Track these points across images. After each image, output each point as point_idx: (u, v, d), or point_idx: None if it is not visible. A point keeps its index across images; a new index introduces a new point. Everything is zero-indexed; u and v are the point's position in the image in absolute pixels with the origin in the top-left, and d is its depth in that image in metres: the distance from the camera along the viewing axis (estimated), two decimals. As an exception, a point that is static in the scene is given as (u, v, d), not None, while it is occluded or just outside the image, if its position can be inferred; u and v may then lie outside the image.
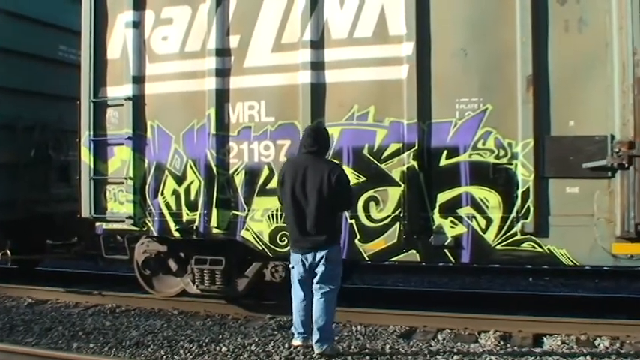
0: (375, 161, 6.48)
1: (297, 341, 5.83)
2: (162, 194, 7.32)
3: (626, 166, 5.71)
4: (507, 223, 6.11)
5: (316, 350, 5.59)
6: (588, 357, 5.62)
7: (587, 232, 5.89)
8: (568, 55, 5.96)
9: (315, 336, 5.57)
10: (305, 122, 6.61)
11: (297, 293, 5.72)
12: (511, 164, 6.10)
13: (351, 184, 6.03)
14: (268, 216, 6.85)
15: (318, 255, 5.51)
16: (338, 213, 5.84)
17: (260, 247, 6.94)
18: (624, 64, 5.73)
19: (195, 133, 7.17)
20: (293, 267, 5.74)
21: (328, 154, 5.97)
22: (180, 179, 7.23)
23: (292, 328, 5.95)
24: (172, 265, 7.69)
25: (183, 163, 7.20)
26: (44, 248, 9.50)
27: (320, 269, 5.52)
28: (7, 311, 7.90)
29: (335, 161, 6.12)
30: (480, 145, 6.19)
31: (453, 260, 6.39)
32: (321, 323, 5.52)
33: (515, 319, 6.66)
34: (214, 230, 7.10)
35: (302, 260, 5.56)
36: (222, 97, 7.01)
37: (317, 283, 5.58)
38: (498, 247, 6.15)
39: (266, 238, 6.88)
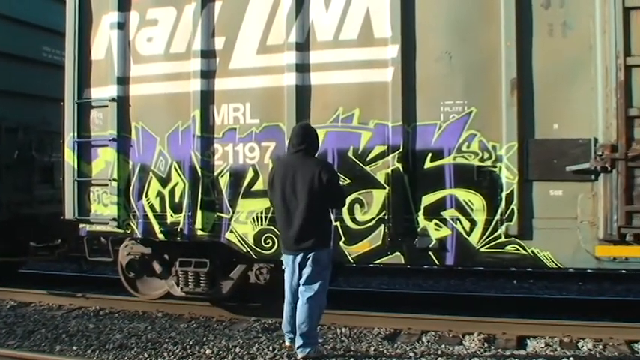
0: (360, 163, 6.41)
1: (287, 342, 5.76)
2: (146, 196, 7.23)
3: (609, 169, 5.67)
4: (491, 226, 6.07)
5: (299, 355, 5.51)
6: (572, 359, 5.59)
7: (571, 234, 5.85)
8: (552, 58, 5.92)
9: (299, 341, 5.48)
10: (290, 124, 6.51)
11: (286, 295, 5.67)
12: (495, 167, 6.06)
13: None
14: (253, 218, 6.77)
15: (306, 256, 5.42)
16: (329, 212, 5.77)
17: (245, 250, 6.86)
18: (607, 68, 5.70)
19: (180, 134, 7.08)
20: (284, 268, 5.72)
21: (317, 151, 5.89)
22: (164, 181, 7.14)
23: (282, 328, 5.88)
24: (157, 267, 7.61)
25: (168, 165, 7.11)
26: (27, 250, 9.39)
27: (306, 270, 5.43)
28: (-12, 314, 7.78)
29: (324, 159, 6.08)
30: (464, 148, 6.13)
31: (437, 262, 6.32)
32: (304, 329, 5.41)
33: (499, 321, 6.62)
34: (199, 232, 7.01)
35: (292, 262, 5.50)
36: (207, 98, 6.93)
37: (302, 285, 5.48)
38: (483, 249, 6.11)
39: (251, 240, 6.80)
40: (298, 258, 5.43)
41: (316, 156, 5.80)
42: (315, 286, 5.43)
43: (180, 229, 7.11)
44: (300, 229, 5.34)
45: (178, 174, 7.11)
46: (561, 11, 5.85)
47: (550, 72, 5.94)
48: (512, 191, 5.98)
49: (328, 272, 5.61)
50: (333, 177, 5.49)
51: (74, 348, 6.24)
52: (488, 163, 6.08)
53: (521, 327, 6.47)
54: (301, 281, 5.48)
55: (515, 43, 5.94)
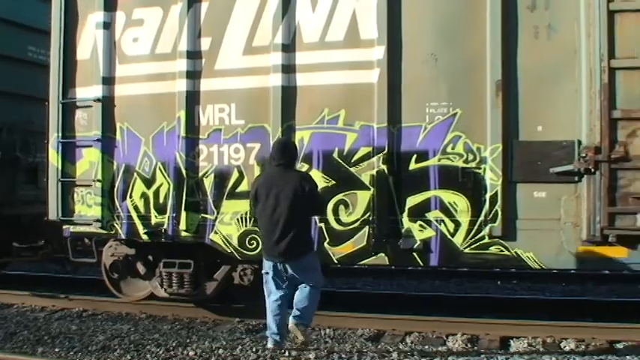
0: (345, 165, 6.40)
1: (270, 344, 5.70)
2: (130, 197, 7.17)
3: (593, 170, 5.69)
4: (475, 227, 6.08)
5: (290, 323, 5.53)
6: (554, 358, 5.55)
7: (554, 235, 5.86)
8: (537, 61, 5.93)
9: (294, 313, 5.54)
10: (276, 125, 6.55)
11: (270, 294, 5.68)
12: (480, 168, 6.06)
13: (320, 187, 6.05)
14: (237, 219, 6.74)
15: (293, 265, 5.54)
16: (310, 222, 5.87)
17: (229, 251, 6.81)
18: (592, 70, 5.71)
19: (165, 135, 7.03)
20: (267, 272, 5.72)
21: (296, 163, 5.97)
22: (149, 182, 7.09)
23: (266, 331, 5.82)
24: (140, 268, 7.55)
25: (153, 166, 7.06)
26: (10, 251, 9.25)
27: (299, 277, 5.61)
28: (-30, 315, 7.68)
29: (302, 171, 6.13)
30: (449, 150, 6.13)
31: (421, 263, 6.31)
32: (301, 306, 5.54)
33: (483, 322, 6.59)
34: (183, 233, 6.97)
35: (275, 266, 5.60)
36: (192, 99, 6.89)
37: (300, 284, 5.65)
38: (466, 250, 6.11)
39: (235, 242, 6.75)
40: (280, 265, 5.58)
41: (301, 157, 5.95)
42: (313, 282, 5.63)
43: (165, 230, 7.05)
44: (283, 238, 5.46)
45: (163, 175, 7.05)
46: (547, 14, 5.86)
47: (535, 74, 5.94)
48: (496, 192, 5.99)
49: (318, 272, 5.71)
50: (313, 187, 5.62)
51: (56, 350, 6.14)
52: (473, 164, 6.08)
53: (504, 327, 6.44)
54: (296, 281, 5.66)
55: (500, 45, 5.95)
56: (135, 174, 7.15)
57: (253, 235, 6.63)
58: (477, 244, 6.09)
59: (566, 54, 5.85)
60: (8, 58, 8.76)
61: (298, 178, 5.55)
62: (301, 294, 5.61)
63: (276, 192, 5.48)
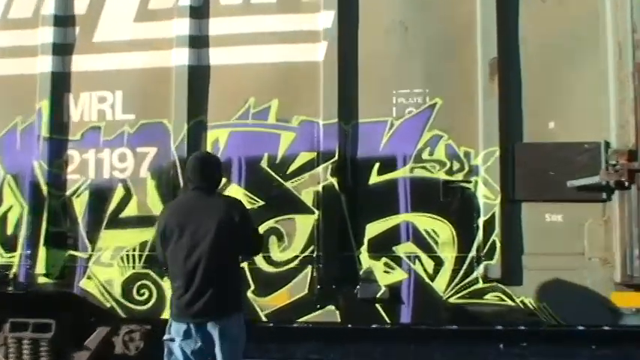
0: (278, 177, 5.48)
1: None
2: None
3: (627, 184, 4.88)
4: (464, 267, 5.20)
5: None
6: None
7: (576, 277, 5.01)
8: (546, 32, 5.17)
9: None
10: (179, 122, 5.65)
11: None
12: (469, 182, 5.23)
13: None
14: (122, 257, 5.70)
15: (215, 327, 4.50)
16: (239, 266, 4.95)
17: (108, 305, 5.72)
18: (620, 46, 4.96)
19: (19, 135, 6.01)
20: (172, 339, 4.62)
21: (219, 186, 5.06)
22: None
23: None
24: None
25: None
26: None
27: (218, 349, 4.55)
28: None
29: (230, 196, 5.25)
30: (425, 155, 5.28)
31: (388, 320, 5.32)
32: None
33: None
34: (41, 279, 5.88)
35: (187, 331, 4.54)
36: (60, 84, 5.94)
37: None
38: (452, 300, 5.19)
39: (118, 291, 5.68)
40: (201, 329, 4.55)
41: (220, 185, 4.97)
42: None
43: (14, 274, 5.98)
44: (204, 291, 4.53)
45: (14, 193, 6.01)
46: None
47: (544, 51, 5.17)
48: (492, 216, 5.13)
49: (243, 345, 4.70)
50: (247, 217, 4.74)
51: None
52: (460, 176, 5.24)
53: None
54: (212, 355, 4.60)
55: (495, 11, 5.20)
56: None
57: (145, 282, 5.69)
58: (467, 290, 5.20)
59: (585, 23, 5.11)
60: None
61: (225, 206, 4.62)
62: None
63: (193, 228, 4.51)
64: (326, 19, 5.33)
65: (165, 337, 4.59)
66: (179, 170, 5.57)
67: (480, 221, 5.07)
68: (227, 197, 4.94)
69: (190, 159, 4.91)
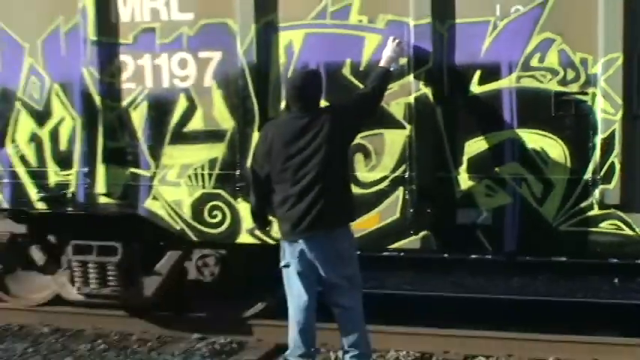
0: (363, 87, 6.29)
1: None
2: (13, 141, 7.34)
3: None
4: (578, 191, 6.03)
5: None
6: None
7: None
8: None
9: (352, 352, 5.90)
10: (245, 21, 6.51)
11: (295, 296, 5.94)
12: (586, 94, 5.96)
13: None
14: (189, 176, 6.84)
15: (329, 240, 5.76)
16: (351, 177, 6.18)
17: (178, 227, 6.90)
18: None
19: (63, 39, 7.03)
20: (287, 265, 5.94)
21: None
22: (41, 116, 7.20)
23: (287, 353, 6.12)
24: (37, 255, 7.64)
25: (46, 90, 7.16)
26: None
27: (330, 270, 5.80)
28: None
29: (329, 105, 6.22)
30: (534, 63, 6.02)
31: (489, 249, 6.34)
32: (355, 337, 5.89)
33: (586, 341, 6.70)
34: (102, 199, 7.09)
35: (302, 252, 5.81)
36: None
37: (338, 290, 5.85)
38: (563, 227, 6.07)
39: (187, 212, 6.86)
40: (313, 245, 5.76)
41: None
42: (353, 275, 5.87)
43: (72, 193, 7.15)
44: (316, 204, 5.70)
45: (63, 104, 7.10)
46: None
47: None
48: (612, 134, 5.90)
49: (357, 261, 6.00)
50: (348, 104, 5.95)
51: None
52: (574, 87, 5.97)
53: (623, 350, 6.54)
54: (337, 281, 5.86)
55: None
56: (17, 103, 7.29)
57: (217, 202, 6.80)
58: (580, 217, 6.05)
59: None
60: None
61: (330, 117, 5.79)
62: (349, 322, 5.91)
63: (302, 144, 5.74)
64: None
65: (282, 263, 5.95)
66: (249, 79, 6.56)
67: (598, 139, 5.87)
68: (328, 108, 6.06)
69: (287, 84, 6.07)
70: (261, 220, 6.31)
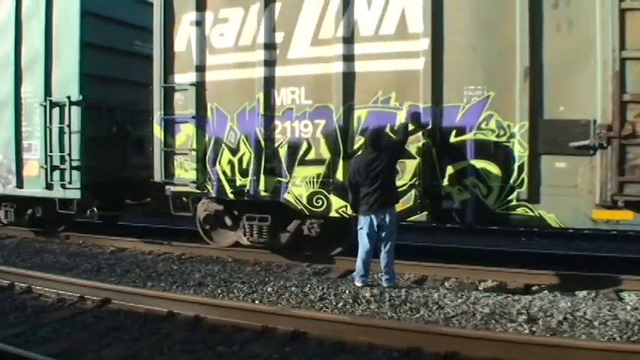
0: None
1: (359, 282, 6.20)
2: (219, 163, 7.50)
3: (605, 145, 5.78)
4: (505, 191, 6.23)
5: (386, 285, 6.17)
6: (569, 303, 5.63)
7: (572, 200, 5.98)
8: (559, 51, 6.01)
9: (386, 276, 6.17)
10: (338, 105, 6.80)
11: (365, 244, 6.16)
12: (509, 142, 6.18)
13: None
14: (306, 182, 7.06)
15: (386, 215, 6.03)
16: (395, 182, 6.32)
17: (299, 208, 7.15)
18: (605, 60, 5.78)
19: (247, 113, 7.33)
20: (362, 228, 6.16)
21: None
22: (234, 151, 7.41)
23: (354, 273, 6.29)
24: (227, 221, 7.93)
25: (237, 138, 7.38)
26: (124, 206, 9.83)
27: (386, 231, 6.06)
28: (94, 257, 8.21)
29: (382, 146, 6.30)
30: (483, 126, 6.27)
31: (459, 221, 6.50)
32: (390, 267, 6.19)
33: (510, 271, 6.75)
34: (262, 193, 7.30)
35: (371, 221, 6.07)
36: (269, 83, 7.17)
37: (385, 239, 6.13)
38: (497, 210, 6.27)
39: (304, 200, 7.08)
40: (378, 217, 6.04)
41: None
42: (393, 238, 6.15)
43: (247, 190, 7.38)
44: (381, 195, 6.01)
45: (246, 145, 7.36)
46: (568, 11, 5.93)
47: (557, 62, 6.02)
48: (523, 163, 6.12)
49: (397, 226, 6.24)
50: (388, 145, 6.18)
51: (162, 284, 6.54)
52: (504, 138, 6.21)
53: (527, 276, 6.62)
54: (384, 235, 6.11)
55: (528, 37, 6.05)
56: (223, 144, 7.47)
57: (319, 195, 6.99)
58: (506, 205, 6.23)
59: (583, 45, 5.89)
60: (119, 51, 9.11)
61: (379, 153, 6.11)
62: (388, 258, 6.11)
63: (373, 166, 6.01)
64: (424, 43, 6.40)
65: (359, 227, 6.22)
66: (338, 133, 6.78)
67: (516, 165, 6.02)
68: (384, 147, 6.19)
69: (368, 133, 6.29)
70: (355, 207, 6.30)
